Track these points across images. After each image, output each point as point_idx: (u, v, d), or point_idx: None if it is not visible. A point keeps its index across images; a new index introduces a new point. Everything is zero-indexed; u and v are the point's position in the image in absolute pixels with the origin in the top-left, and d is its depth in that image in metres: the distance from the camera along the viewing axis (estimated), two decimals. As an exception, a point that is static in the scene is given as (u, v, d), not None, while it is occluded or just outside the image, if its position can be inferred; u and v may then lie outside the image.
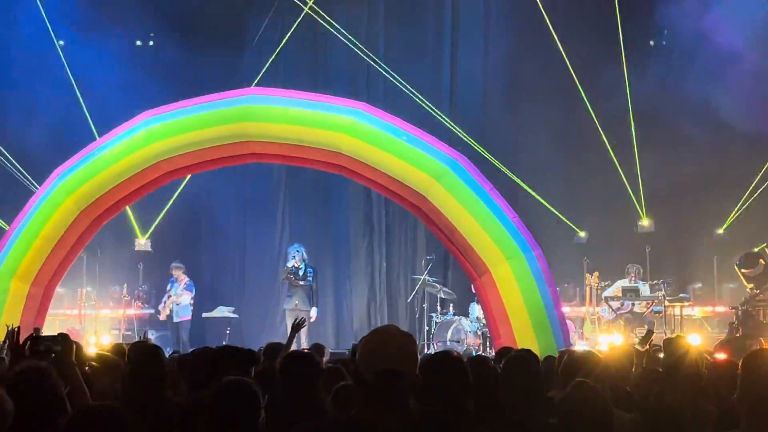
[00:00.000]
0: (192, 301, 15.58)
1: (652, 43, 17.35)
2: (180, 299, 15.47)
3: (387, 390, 3.34)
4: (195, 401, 4.60)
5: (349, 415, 3.42)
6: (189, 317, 15.60)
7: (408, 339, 3.50)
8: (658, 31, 16.71)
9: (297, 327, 7.81)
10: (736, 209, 16.26)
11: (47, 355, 4.66)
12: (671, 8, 15.80)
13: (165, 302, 15.65)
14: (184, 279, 15.69)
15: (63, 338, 4.80)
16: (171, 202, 16.57)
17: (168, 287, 15.72)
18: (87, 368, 5.37)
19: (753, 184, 16.07)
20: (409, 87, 16.09)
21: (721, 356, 6.97)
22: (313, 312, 14.94)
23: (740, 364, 4.42)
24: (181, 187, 16.24)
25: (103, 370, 5.60)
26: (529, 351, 6.68)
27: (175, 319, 15.49)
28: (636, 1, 16.54)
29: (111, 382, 5.39)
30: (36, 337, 4.83)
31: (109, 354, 6.22)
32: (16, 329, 4.86)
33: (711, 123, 15.74)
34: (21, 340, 4.83)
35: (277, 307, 15.92)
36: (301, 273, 14.97)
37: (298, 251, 15.12)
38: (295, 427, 3.93)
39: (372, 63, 16.59)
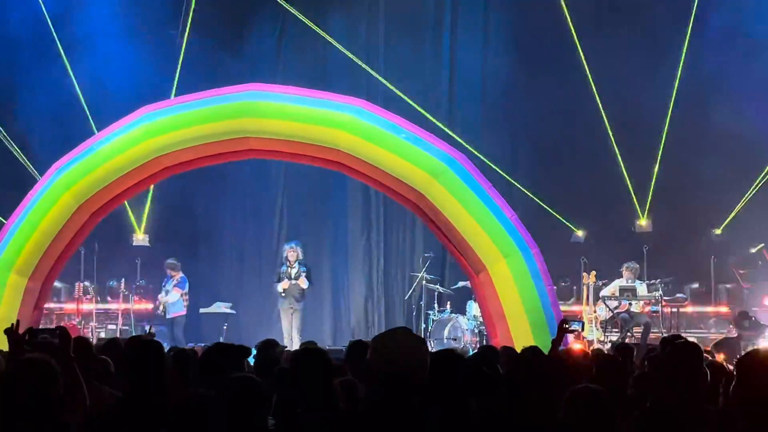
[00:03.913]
0: (184, 297, 15.51)
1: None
2: (169, 297, 15.44)
3: (395, 393, 3.36)
4: (197, 397, 4.60)
5: (357, 410, 3.45)
6: (182, 312, 15.49)
7: (422, 345, 3.52)
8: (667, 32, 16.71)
9: None
10: (735, 210, 16.29)
11: (45, 348, 4.65)
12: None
13: (159, 298, 15.65)
14: (177, 275, 15.66)
15: (61, 332, 4.80)
16: (167, 198, 16.56)
17: (163, 283, 15.70)
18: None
19: (753, 186, 16.09)
20: (407, 88, 16.16)
21: (719, 356, 7.00)
22: (303, 281, 14.86)
23: (735, 364, 4.43)
24: (179, 181, 16.21)
25: None
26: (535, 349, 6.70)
27: (167, 315, 15.47)
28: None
29: None
30: (34, 330, 4.83)
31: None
32: (16, 322, 4.86)
33: (709, 124, 15.83)
34: (19, 334, 4.83)
35: (275, 303, 15.80)
36: (293, 272, 14.87)
37: (293, 249, 14.96)
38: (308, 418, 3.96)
39: (371, 71, 16.69)
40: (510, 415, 4.49)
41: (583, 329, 8.10)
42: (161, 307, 15.54)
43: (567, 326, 6.94)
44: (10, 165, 15.65)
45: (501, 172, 15.86)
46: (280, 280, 14.94)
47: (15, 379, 3.86)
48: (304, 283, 14.82)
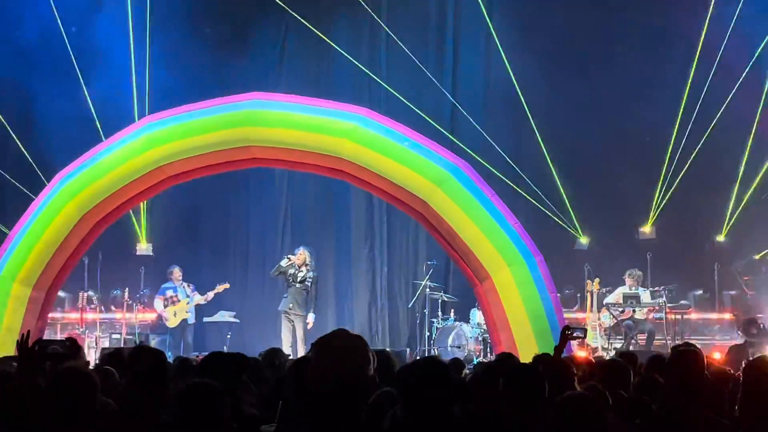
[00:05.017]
0: None
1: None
2: (193, 302, 15.48)
3: (344, 396, 3.37)
4: None
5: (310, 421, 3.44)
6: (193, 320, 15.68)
7: (360, 343, 3.50)
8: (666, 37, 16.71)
9: None
10: (729, 216, 16.29)
11: (54, 359, 4.65)
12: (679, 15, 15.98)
13: (167, 308, 15.58)
14: (182, 283, 15.65)
15: (71, 342, 4.81)
16: (172, 207, 16.56)
17: (171, 293, 15.61)
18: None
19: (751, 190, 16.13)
20: (410, 97, 16.20)
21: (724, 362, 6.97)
22: (310, 318, 14.66)
23: (743, 370, 4.41)
24: (183, 191, 16.22)
25: None
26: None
27: (190, 321, 15.48)
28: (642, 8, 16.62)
29: None
30: (44, 341, 4.84)
31: None
32: (26, 333, 4.86)
33: (715, 128, 15.86)
34: (29, 344, 4.83)
35: (278, 312, 15.75)
36: (300, 276, 14.80)
37: (301, 253, 14.82)
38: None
39: (374, 76, 16.73)
40: (499, 422, 4.50)
41: (585, 336, 8.09)
42: (184, 314, 15.45)
43: (570, 333, 6.94)
44: (27, 177, 15.59)
45: (503, 175, 15.89)
46: (279, 276, 14.86)
47: (56, 390, 3.86)
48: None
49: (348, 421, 3.32)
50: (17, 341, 4.78)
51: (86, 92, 16.26)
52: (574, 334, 7.07)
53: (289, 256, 14.93)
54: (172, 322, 15.47)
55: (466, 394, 5.13)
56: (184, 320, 15.47)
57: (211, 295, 15.54)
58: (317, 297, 15.08)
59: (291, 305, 14.61)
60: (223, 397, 3.97)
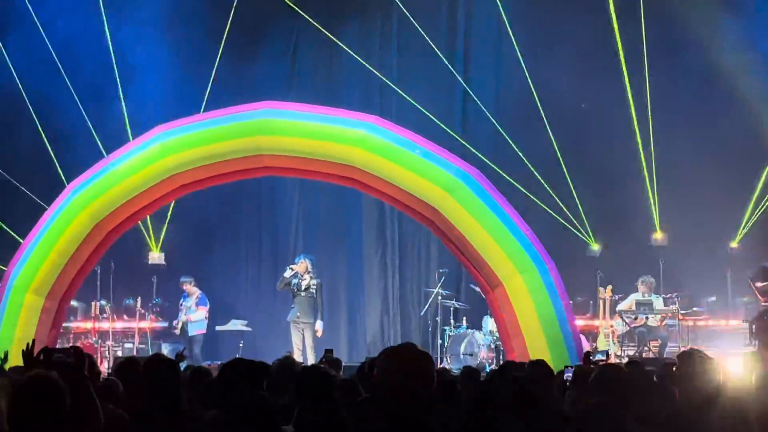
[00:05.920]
0: (206, 315, 15.58)
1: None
2: (194, 316, 15.46)
3: (404, 411, 3.38)
4: (219, 417, 4.61)
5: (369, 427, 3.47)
6: (203, 331, 15.57)
7: (427, 359, 3.54)
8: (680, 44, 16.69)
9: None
10: (744, 222, 16.24)
11: (59, 368, 4.67)
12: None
13: (179, 318, 15.66)
14: (196, 292, 15.64)
15: (75, 351, 4.82)
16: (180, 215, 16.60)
17: (180, 301, 15.71)
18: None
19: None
20: (421, 104, 16.20)
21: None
22: (318, 325, 14.67)
23: (757, 376, 4.40)
24: (195, 199, 16.26)
25: None
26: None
27: (190, 333, 15.47)
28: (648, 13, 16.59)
29: None
30: (48, 350, 4.87)
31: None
32: (30, 343, 4.90)
33: (726, 135, 15.80)
34: (35, 354, 4.85)
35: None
36: (304, 284, 14.80)
37: (303, 262, 14.84)
38: None
39: (384, 79, 16.74)
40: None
41: (608, 358, 8.07)
42: (180, 326, 15.53)
43: (592, 358, 6.93)
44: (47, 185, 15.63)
45: (515, 181, 15.87)
46: (285, 288, 14.87)
47: (20, 397, 3.88)
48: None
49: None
50: (22, 351, 4.82)
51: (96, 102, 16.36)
52: (596, 358, 7.06)
53: (290, 266, 14.96)
54: (178, 330, 15.62)
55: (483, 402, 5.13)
56: (184, 330, 15.51)
57: (200, 312, 15.55)
58: (323, 303, 15.08)
59: (298, 314, 14.64)
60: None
